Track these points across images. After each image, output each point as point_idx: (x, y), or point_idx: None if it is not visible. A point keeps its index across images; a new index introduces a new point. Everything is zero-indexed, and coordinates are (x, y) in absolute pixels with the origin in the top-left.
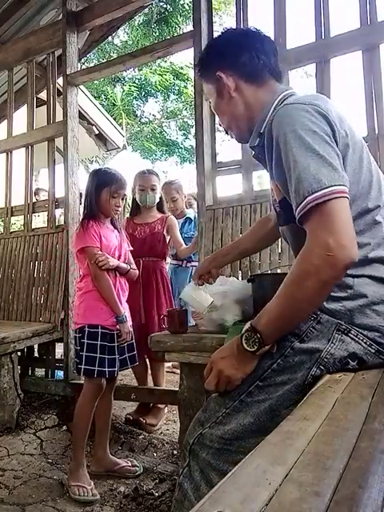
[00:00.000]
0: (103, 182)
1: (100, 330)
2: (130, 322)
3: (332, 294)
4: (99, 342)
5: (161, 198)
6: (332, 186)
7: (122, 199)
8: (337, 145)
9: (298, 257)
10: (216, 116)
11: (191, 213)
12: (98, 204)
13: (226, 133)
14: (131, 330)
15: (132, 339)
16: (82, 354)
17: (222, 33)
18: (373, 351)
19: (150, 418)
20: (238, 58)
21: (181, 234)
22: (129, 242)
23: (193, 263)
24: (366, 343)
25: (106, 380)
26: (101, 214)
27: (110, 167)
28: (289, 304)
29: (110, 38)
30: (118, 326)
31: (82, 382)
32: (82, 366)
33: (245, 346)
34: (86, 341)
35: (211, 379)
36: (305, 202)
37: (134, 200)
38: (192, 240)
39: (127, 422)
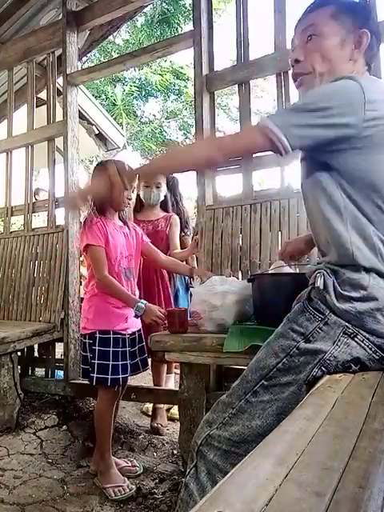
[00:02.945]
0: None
1: (112, 336)
2: (153, 306)
3: (345, 292)
4: (111, 349)
5: (166, 196)
6: (279, 128)
7: (133, 191)
8: (357, 129)
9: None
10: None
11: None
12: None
13: (295, 78)
14: (159, 309)
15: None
16: (93, 362)
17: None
18: (377, 358)
19: (159, 420)
20: (374, 34)
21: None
22: (144, 234)
23: None
24: (371, 349)
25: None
26: (110, 209)
27: (118, 159)
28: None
29: (111, 37)
30: (129, 330)
31: (82, 381)
32: (95, 375)
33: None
34: (97, 348)
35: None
36: (262, 121)
37: (138, 196)
38: (190, 244)
39: (153, 432)
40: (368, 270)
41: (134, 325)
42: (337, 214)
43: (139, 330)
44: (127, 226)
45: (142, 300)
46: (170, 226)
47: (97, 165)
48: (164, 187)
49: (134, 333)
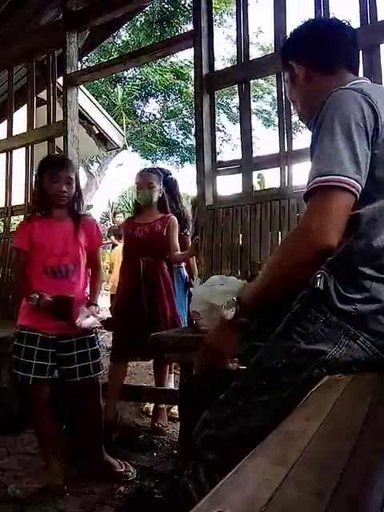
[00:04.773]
0: (41, 168)
1: (27, 332)
2: (47, 297)
3: (346, 294)
4: (24, 345)
5: (163, 197)
6: (341, 175)
7: (68, 184)
8: (377, 137)
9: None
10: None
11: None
12: (43, 193)
13: (300, 119)
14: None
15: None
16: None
17: (303, 23)
18: (377, 359)
19: (160, 420)
20: (312, 48)
21: None
22: (98, 233)
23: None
24: (372, 351)
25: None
26: (51, 204)
27: (57, 153)
28: (269, 277)
29: (112, 38)
30: (54, 331)
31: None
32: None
33: (224, 313)
34: (14, 343)
35: (199, 356)
36: (312, 182)
37: (136, 200)
38: (189, 246)
39: (154, 432)
40: (371, 278)
41: (68, 329)
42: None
43: (83, 337)
44: (77, 221)
45: (40, 293)
46: (168, 227)
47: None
48: (158, 187)
49: (69, 336)
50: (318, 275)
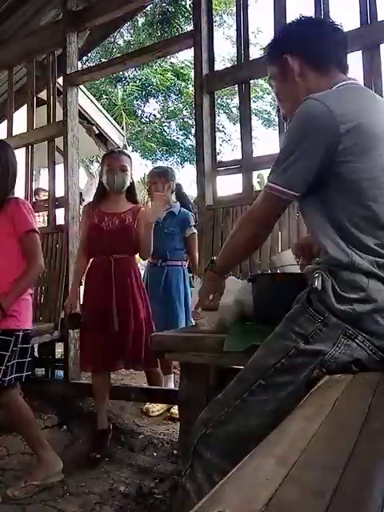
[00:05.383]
0: None
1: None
2: None
3: (344, 294)
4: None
5: (132, 185)
6: (279, 186)
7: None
8: (338, 144)
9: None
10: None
11: (176, 207)
12: None
13: (285, 119)
14: None
15: None
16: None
17: (296, 19)
18: (377, 359)
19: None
20: (307, 44)
21: (162, 229)
22: (21, 218)
23: (168, 263)
24: (371, 351)
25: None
26: None
27: None
28: (229, 245)
29: (113, 38)
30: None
31: (82, 381)
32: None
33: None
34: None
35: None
36: (265, 184)
37: (100, 183)
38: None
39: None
40: (367, 274)
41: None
42: (327, 223)
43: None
44: None
45: None
46: (138, 220)
47: None
48: (130, 172)
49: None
50: (316, 275)
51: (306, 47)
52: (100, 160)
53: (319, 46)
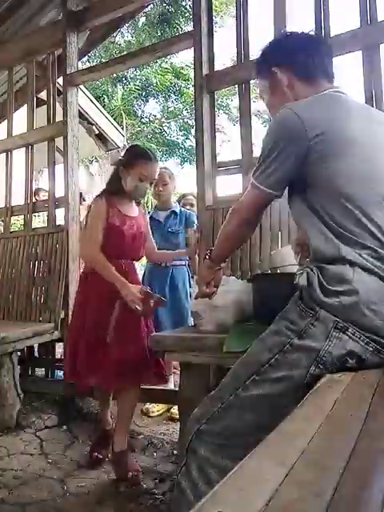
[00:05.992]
0: None
1: None
2: None
3: (330, 287)
4: None
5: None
6: (258, 183)
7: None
8: (309, 148)
9: None
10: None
11: (177, 207)
12: None
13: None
14: None
15: None
16: None
17: (283, 34)
18: (371, 349)
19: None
20: (294, 56)
21: (165, 228)
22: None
23: (173, 263)
24: (363, 342)
25: None
26: None
27: None
28: (222, 235)
29: (113, 38)
30: None
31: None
32: None
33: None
34: None
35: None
36: (250, 178)
37: (117, 180)
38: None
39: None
40: (352, 264)
41: None
42: (312, 220)
43: None
44: None
45: None
46: (147, 223)
47: None
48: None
49: None
50: (299, 272)
51: (294, 60)
52: (100, 160)
53: (306, 58)
